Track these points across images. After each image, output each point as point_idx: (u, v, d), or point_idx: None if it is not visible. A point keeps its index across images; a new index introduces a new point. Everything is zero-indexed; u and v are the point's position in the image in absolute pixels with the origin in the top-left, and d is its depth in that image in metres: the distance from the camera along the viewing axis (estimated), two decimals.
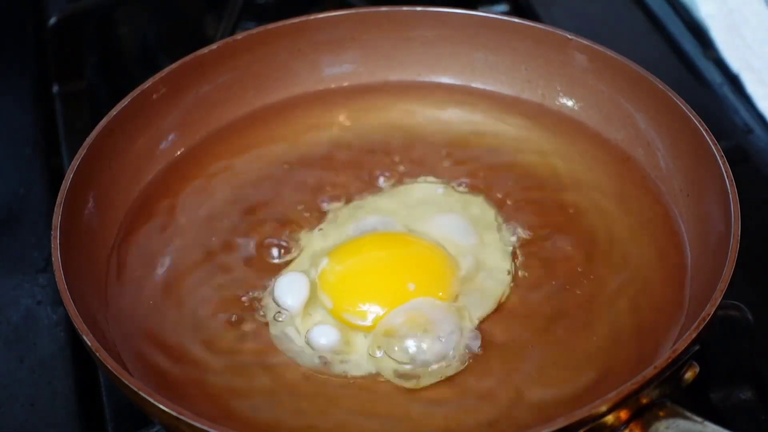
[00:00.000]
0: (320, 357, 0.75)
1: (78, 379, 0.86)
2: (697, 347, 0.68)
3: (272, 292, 0.79)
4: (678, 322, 0.75)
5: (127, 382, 0.68)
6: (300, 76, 0.95)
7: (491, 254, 0.81)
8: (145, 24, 1.23)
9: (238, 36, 0.93)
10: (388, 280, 0.79)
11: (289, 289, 0.79)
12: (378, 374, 0.74)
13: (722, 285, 0.70)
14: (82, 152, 0.82)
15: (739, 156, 0.98)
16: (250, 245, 0.83)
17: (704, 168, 0.80)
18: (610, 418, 0.66)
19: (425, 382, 0.73)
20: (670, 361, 0.66)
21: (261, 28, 0.94)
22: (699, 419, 0.66)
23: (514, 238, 0.82)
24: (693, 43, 1.12)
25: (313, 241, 0.83)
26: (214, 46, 0.92)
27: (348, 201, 0.86)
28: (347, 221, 0.84)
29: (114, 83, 1.15)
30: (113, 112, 0.86)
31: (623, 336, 0.75)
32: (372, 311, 0.76)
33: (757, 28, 1.11)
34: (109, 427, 0.83)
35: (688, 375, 0.69)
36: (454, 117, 0.93)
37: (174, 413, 0.66)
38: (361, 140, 0.91)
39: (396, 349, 0.74)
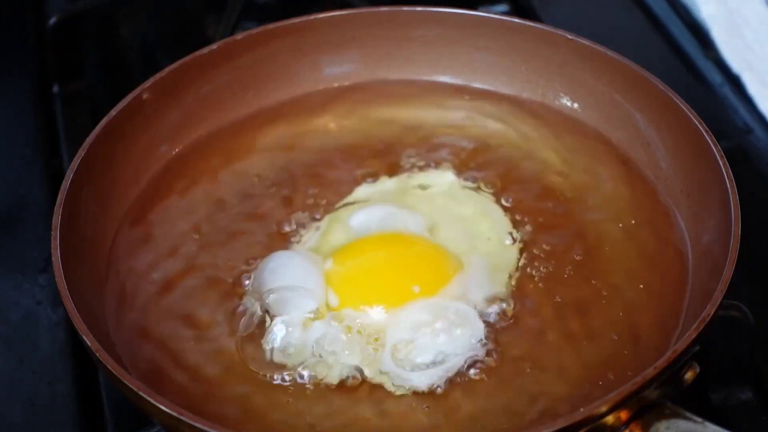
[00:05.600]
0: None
1: (78, 379, 0.86)
2: (697, 347, 0.68)
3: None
4: (678, 323, 0.75)
5: (127, 382, 0.68)
6: (300, 76, 0.95)
7: (494, 253, 0.81)
8: (145, 24, 1.23)
9: (238, 36, 0.93)
10: (395, 280, 0.79)
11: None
12: (386, 379, 0.74)
13: (722, 285, 0.70)
14: (82, 152, 0.82)
15: (739, 156, 0.98)
16: (252, 245, 0.83)
17: (704, 168, 0.80)
18: (610, 419, 0.66)
19: (430, 384, 0.73)
20: (670, 361, 0.66)
21: (261, 28, 0.94)
22: (699, 419, 0.66)
23: (515, 237, 0.82)
24: (693, 43, 1.12)
25: (315, 242, 0.83)
26: (214, 46, 0.92)
27: (347, 201, 0.86)
28: (348, 219, 0.84)
29: (114, 83, 1.15)
30: (113, 112, 0.86)
31: (623, 336, 0.75)
32: (380, 310, 0.76)
33: (757, 29, 1.11)
34: (109, 427, 0.83)
35: (689, 375, 0.69)
36: (454, 117, 0.93)
37: (174, 413, 0.66)
38: (362, 140, 0.91)
39: (409, 351, 0.74)
